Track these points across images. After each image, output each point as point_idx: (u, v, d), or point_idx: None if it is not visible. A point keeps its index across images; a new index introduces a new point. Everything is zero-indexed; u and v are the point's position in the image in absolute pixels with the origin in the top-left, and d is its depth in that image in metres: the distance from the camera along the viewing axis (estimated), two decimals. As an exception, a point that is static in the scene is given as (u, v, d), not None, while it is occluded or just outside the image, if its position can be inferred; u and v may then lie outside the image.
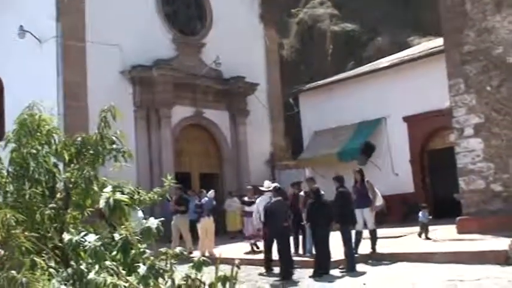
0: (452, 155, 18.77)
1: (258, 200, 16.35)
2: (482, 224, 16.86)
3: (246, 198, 17.99)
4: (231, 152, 30.03)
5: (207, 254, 16.39)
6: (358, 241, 15.70)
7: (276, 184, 16.41)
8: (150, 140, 26.96)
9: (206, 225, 18.26)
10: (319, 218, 14.06)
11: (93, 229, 4.40)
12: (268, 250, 15.09)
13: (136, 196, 5.60)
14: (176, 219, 19.31)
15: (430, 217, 17.72)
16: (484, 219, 17.08)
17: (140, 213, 15.32)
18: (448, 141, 21.32)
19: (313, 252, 14.69)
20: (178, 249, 3.99)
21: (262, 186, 16.74)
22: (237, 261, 4.00)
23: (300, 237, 17.00)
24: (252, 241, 18.18)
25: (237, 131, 30.24)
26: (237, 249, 18.39)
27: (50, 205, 5.25)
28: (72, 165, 5.45)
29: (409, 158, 26.42)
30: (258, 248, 17.89)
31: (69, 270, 4.32)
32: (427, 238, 17.16)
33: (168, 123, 27.26)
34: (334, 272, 13.92)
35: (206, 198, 19.24)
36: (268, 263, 15.05)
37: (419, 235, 17.45)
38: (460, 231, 17.23)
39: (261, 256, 15.95)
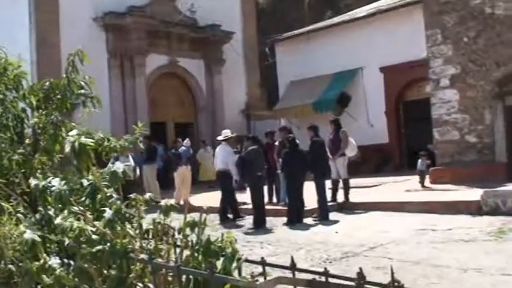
0: (428, 106, 18.87)
1: (217, 150, 16.27)
2: (455, 174, 17.08)
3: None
4: (206, 102, 29.94)
5: (181, 202, 16.46)
6: (335, 190, 15.90)
7: (227, 130, 16.48)
8: (125, 88, 26.75)
9: (184, 174, 18.29)
10: (293, 167, 14.13)
11: (63, 175, 4.37)
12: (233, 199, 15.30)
13: (106, 143, 5.57)
14: (145, 168, 19.36)
15: (429, 162, 17.58)
16: (458, 169, 17.29)
17: (131, 160, 15.45)
18: (424, 92, 21.45)
19: (287, 201, 14.80)
20: (148, 195, 3.97)
21: (243, 135, 16.75)
22: (205, 207, 3.99)
23: (274, 186, 17.10)
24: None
25: (212, 80, 30.11)
26: (213, 199, 18.41)
27: (18, 151, 5.21)
28: (40, 110, 5.39)
29: (385, 109, 26.53)
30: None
31: (37, 215, 4.32)
32: (423, 186, 17.02)
33: (142, 71, 27.04)
34: (308, 220, 14.08)
35: (184, 148, 19.22)
36: (236, 211, 15.22)
37: (421, 183, 17.24)
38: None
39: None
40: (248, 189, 14.78)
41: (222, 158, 15.64)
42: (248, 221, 14.60)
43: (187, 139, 20.30)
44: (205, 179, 24.52)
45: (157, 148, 20.86)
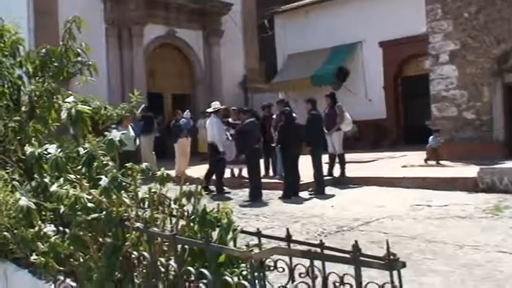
0: (427, 82, 18.83)
1: (207, 122, 16.22)
2: (452, 151, 17.08)
3: (230, 120, 17.63)
4: (204, 73, 29.83)
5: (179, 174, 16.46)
6: (331, 164, 15.94)
7: (216, 102, 16.47)
8: (122, 59, 26.63)
9: (184, 145, 18.24)
10: (290, 140, 14.10)
11: (59, 143, 4.35)
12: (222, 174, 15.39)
13: (103, 111, 5.55)
14: (142, 139, 19.35)
15: (441, 141, 17.47)
16: (455, 146, 17.30)
17: (131, 130, 15.39)
18: (423, 67, 21.39)
19: (283, 174, 14.80)
20: (144, 165, 3.97)
21: (240, 108, 16.64)
22: (201, 178, 4.01)
23: (270, 159, 17.11)
24: (232, 166, 17.65)
25: (210, 52, 29.97)
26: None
27: (14, 118, 5.20)
28: (37, 78, 5.37)
29: (383, 84, 26.50)
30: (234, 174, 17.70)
31: (33, 183, 4.31)
32: (438, 163, 16.80)
33: (140, 42, 26.89)
34: (303, 194, 14.10)
35: (184, 120, 19.15)
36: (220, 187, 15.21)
37: (426, 161, 17.12)
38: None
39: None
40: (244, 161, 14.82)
41: (213, 130, 15.64)
42: (243, 193, 14.64)
43: (187, 111, 20.24)
44: (204, 150, 24.45)
45: (154, 119, 20.80)
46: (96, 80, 5.50)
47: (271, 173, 17.05)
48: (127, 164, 3.82)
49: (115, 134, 3.59)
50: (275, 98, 25.05)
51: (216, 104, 16.25)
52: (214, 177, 15.25)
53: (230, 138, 16.11)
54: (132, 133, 15.02)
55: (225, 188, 15.26)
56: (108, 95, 24.17)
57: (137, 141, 15.23)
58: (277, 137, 14.77)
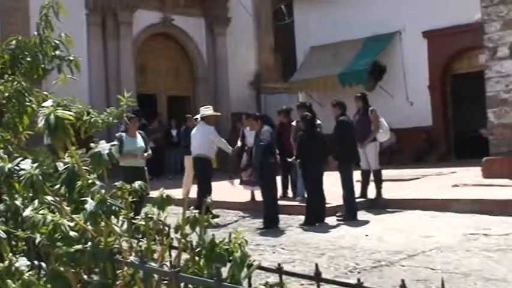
0: (481, 81, 18.77)
1: (192, 132, 16.15)
2: (514, 167, 16.99)
3: (246, 132, 17.28)
4: (206, 71, 29.92)
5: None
6: (364, 183, 15.90)
7: (207, 107, 16.39)
8: (107, 51, 26.75)
9: None
10: (313, 153, 14.08)
11: (33, 156, 4.35)
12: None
13: (85, 117, 5.55)
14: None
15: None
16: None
17: (140, 140, 15.09)
18: (477, 63, 21.35)
19: (305, 195, 14.78)
20: (137, 184, 3.96)
21: (255, 114, 16.46)
22: (209, 200, 3.99)
23: (289, 177, 17.09)
24: (251, 187, 17.42)
25: (214, 44, 30.06)
26: (229, 191, 18.29)
27: (-22, 126, 5.20)
28: (6, 76, 5.37)
29: (428, 84, 26.45)
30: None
31: (1, 205, 4.30)
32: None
33: (128, 31, 27.00)
34: (330, 220, 14.07)
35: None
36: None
37: None
38: (486, 175, 17.35)
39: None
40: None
41: (199, 140, 15.61)
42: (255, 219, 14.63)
43: (198, 116, 19.89)
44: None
45: (146, 126, 20.84)
46: (77, 77, 5.50)
47: (290, 193, 17.03)
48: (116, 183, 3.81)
49: (103, 146, 3.58)
50: (294, 100, 25.12)
51: (206, 109, 16.14)
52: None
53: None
54: (141, 144, 14.56)
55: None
56: (89, 96, 24.31)
57: (149, 152, 14.80)
58: (297, 150, 14.74)
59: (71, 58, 5.25)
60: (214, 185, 15.85)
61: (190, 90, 29.98)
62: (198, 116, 16.22)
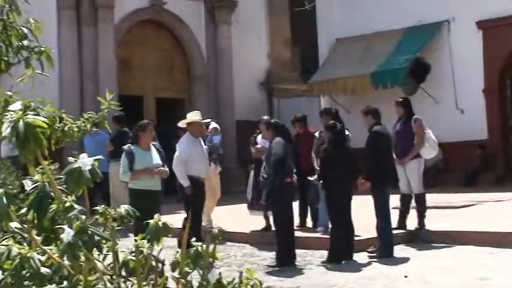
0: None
1: (181, 143, 15.97)
2: None
3: (259, 139, 17.19)
4: (206, 67, 29.96)
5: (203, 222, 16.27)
6: (404, 210, 15.85)
7: (195, 112, 16.24)
8: (81, 42, 26.78)
9: (210, 177, 17.80)
10: (339, 172, 14.03)
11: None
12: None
13: (57, 124, 5.55)
14: (111, 166, 19.30)
15: None
16: None
17: (154, 153, 14.82)
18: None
19: (329, 225, 14.74)
20: (123, 209, 3.96)
21: (269, 120, 16.30)
22: (216, 229, 3.98)
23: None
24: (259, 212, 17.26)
25: (216, 34, 30.11)
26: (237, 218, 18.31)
27: None
28: (-38, 72, 5.39)
29: (483, 87, 26.43)
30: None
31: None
32: None
33: (109, 16, 27.04)
34: (360, 256, 14.04)
35: (217, 136, 18.71)
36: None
37: None
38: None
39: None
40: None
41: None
42: (265, 253, 14.61)
43: (212, 122, 19.54)
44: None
45: (127, 134, 20.80)
46: (47, 74, 5.50)
47: (309, 222, 17.01)
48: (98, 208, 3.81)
49: (84, 161, 3.57)
50: (315, 106, 25.13)
51: (193, 115, 15.94)
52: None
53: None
54: (157, 160, 13.93)
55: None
56: (59, 97, 24.32)
57: (165, 168, 14.37)
58: (320, 167, 14.69)
59: (42, 49, 5.26)
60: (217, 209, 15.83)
61: (185, 92, 29.99)
62: (181, 124, 15.96)
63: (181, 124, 15.94)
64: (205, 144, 17.32)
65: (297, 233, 14.87)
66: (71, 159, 3.60)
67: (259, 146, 16.38)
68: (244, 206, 17.22)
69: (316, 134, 16.42)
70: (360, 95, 26.22)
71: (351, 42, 28.93)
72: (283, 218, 14.20)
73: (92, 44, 26.77)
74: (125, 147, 13.67)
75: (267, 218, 16.49)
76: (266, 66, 32.08)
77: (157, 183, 13.74)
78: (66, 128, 5.52)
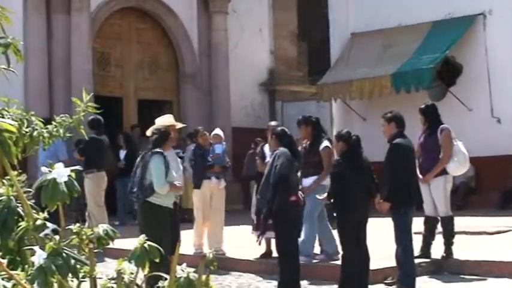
0: None
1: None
2: None
3: (267, 150, 17.06)
4: (197, 65, 30.02)
5: (206, 249, 16.25)
6: (429, 235, 15.84)
7: (166, 116, 16.18)
8: (51, 32, 26.81)
9: (211, 192, 17.76)
10: (352, 190, 14.01)
11: None
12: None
13: (25, 128, 5.58)
14: (86, 180, 19.41)
15: None
16: None
17: (178, 165, 14.75)
18: None
19: (339, 252, 14.75)
20: (101, 229, 3.98)
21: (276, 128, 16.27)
22: (209, 255, 4.02)
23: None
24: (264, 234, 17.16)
25: (210, 26, 30.16)
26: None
27: None
28: None
29: (524, 91, 26.49)
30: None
31: None
32: None
33: (84, 3, 27.08)
34: (377, 289, 14.10)
35: (220, 145, 18.54)
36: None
37: None
38: None
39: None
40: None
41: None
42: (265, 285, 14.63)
43: (217, 129, 19.39)
44: (187, 206, 24.03)
45: (104, 143, 20.88)
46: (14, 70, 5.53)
47: (317, 247, 17.04)
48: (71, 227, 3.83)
49: (59, 171, 3.59)
50: (325, 111, 25.17)
51: (165, 120, 15.77)
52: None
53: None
54: (181, 167, 14.46)
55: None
56: (24, 97, 24.33)
57: (186, 173, 14.30)
58: (331, 183, 14.64)
59: (9, 41, 5.29)
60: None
61: (173, 93, 30.05)
62: (148, 132, 15.51)
63: (149, 132, 14.94)
64: (207, 155, 17.42)
65: (302, 260, 14.86)
66: (44, 169, 3.62)
67: (268, 159, 16.29)
68: (242, 227, 17.26)
69: (326, 145, 16.30)
70: (378, 99, 26.24)
71: (369, 38, 28.96)
72: (287, 243, 14.18)
73: (63, 35, 26.79)
74: (157, 149, 13.47)
75: (268, 242, 16.50)
76: (268, 64, 32.15)
77: (169, 199, 13.79)
78: (35, 133, 5.53)
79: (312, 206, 15.31)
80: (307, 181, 15.69)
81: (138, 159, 13.90)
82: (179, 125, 16.08)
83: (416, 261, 14.82)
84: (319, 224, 16.19)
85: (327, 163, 15.55)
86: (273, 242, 15.81)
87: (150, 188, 13.15)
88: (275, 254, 14.80)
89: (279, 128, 15.37)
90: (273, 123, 16.84)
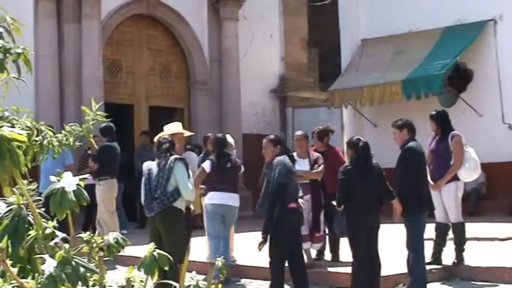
0: None
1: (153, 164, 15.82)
2: None
3: (295, 155, 16.79)
4: (209, 71, 29.96)
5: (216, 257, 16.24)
6: (440, 242, 15.82)
7: (175, 124, 16.15)
8: (62, 40, 26.78)
9: None
10: (361, 196, 13.93)
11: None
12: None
13: (35, 137, 5.59)
14: (97, 187, 19.40)
15: None
16: None
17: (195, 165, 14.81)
18: None
19: (354, 262, 14.70)
20: (111, 237, 3.99)
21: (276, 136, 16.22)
22: (218, 262, 4.02)
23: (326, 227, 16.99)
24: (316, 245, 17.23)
25: (221, 33, 30.12)
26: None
27: None
28: None
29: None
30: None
31: None
32: None
33: (95, 11, 27.04)
34: (388, 296, 14.05)
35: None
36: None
37: None
38: None
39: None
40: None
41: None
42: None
43: (228, 135, 19.36)
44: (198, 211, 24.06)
45: (117, 151, 20.84)
46: (23, 79, 5.54)
47: (327, 253, 17.00)
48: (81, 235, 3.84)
49: (68, 180, 3.60)
50: (336, 118, 25.13)
51: (173, 127, 15.79)
52: None
53: None
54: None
55: None
56: (35, 105, 24.30)
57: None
58: (339, 189, 14.47)
59: (19, 51, 5.29)
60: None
61: (184, 100, 29.97)
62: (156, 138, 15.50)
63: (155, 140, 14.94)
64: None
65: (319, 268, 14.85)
66: (53, 178, 3.62)
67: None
68: (253, 234, 17.18)
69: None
70: (388, 106, 26.18)
71: (379, 44, 28.90)
72: (278, 248, 14.02)
73: (74, 43, 26.76)
74: (179, 156, 13.73)
75: (307, 253, 16.47)
76: (279, 71, 32.08)
77: (181, 201, 13.87)
78: (45, 142, 5.53)
79: None
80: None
81: (152, 166, 13.83)
82: (187, 133, 16.14)
83: (428, 267, 14.75)
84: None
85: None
86: (312, 251, 15.87)
87: (177, 193, 13.25)
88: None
89: (272, 136, 15.24)
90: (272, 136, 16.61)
